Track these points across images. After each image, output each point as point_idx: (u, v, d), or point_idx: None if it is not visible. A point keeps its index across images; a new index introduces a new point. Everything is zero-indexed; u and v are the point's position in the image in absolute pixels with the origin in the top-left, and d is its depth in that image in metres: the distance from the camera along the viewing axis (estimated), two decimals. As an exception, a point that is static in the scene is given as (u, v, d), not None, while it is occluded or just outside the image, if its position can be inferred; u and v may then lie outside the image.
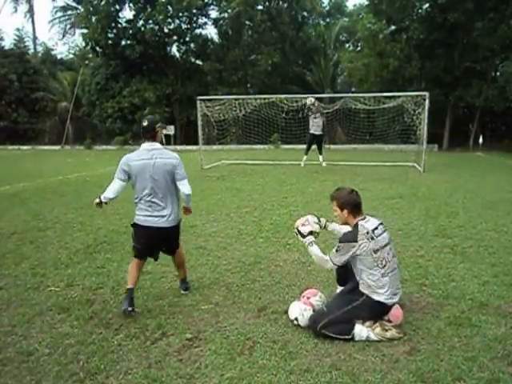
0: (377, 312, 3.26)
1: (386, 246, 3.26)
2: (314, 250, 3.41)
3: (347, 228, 3.49)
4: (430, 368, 2.78)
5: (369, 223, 3.29)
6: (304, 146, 13.76)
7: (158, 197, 3.63)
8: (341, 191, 3.42)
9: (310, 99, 13.41)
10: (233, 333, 3.29)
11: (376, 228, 3.27)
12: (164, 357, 2.98)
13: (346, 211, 3.33)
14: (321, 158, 12.69)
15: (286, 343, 3.12)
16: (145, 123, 3.65)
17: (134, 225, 3.74)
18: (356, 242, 3.20)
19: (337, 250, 3.29)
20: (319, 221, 3.66)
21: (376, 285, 3.21)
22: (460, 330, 3.27)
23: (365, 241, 3.19)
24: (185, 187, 3.77)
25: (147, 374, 2.77)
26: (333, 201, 3.42)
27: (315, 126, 12.72)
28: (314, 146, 13.49)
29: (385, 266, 3.20)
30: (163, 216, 3.66)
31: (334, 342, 3.12)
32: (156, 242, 3.81)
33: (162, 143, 3.78)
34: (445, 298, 3.87)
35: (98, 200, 3.69)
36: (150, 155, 3.62)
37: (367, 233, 3.21)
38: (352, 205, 3.31)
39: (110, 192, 3.68)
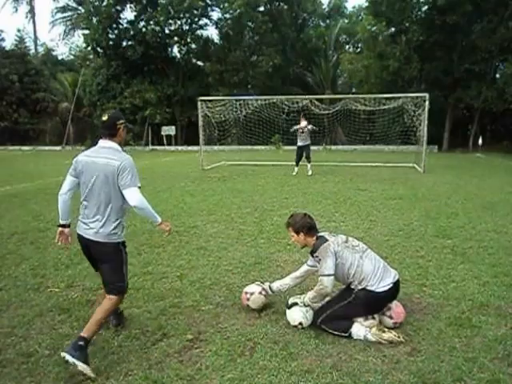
0: (371, 303, 3.26)
1: (347, 236, 3.55)
2: (310, 295, 3.39)
3: (294, 275, 3.72)
4: (430, 369, 2.78)
5: (322, 232, 3.56)
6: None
7: (92, 203, 3.00)
8: (294, 217, 3.53)
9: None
10: (233, 334, 3.29)
11: (329, 232, 3.59)
12: (164, 358, 2.98)
13: (302, 234, 3.45)
14: (309, 165, 12.96)
15: (286, 344, 3.12)
16: (104, 117, 3.06)
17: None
18: (327, 240, 3.35)
19: (318, 262, 3.33)
20: (263, 289, 3.72)
21: (360, 270, 3.26)
22: (460, 331, 3.27)
23: (332, 238, 3.41)
24: (131, 198, 2.91)
25: (147, 375, 2.77)
26: (288, 227, 3.54)
27: (302, 138, 13.05)
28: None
29: (359, 250, 3.38)
30: (91, 228, 3.00)
31: (335, 343, 3.12)
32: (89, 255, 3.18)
33: (121, 145, 3.10)
34: (445, 298, 3.87)
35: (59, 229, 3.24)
36: (97, 153, 3.01)
37: (330, 233, 3.56)
38: (307, 227, 3.45)
39: (62, 189, 3.15)
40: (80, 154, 3.07)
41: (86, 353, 2.80)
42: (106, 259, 3.02)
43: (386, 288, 3.24)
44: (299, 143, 13.12)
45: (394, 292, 3.33)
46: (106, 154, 2.95)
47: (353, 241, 3.48)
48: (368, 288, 3.23)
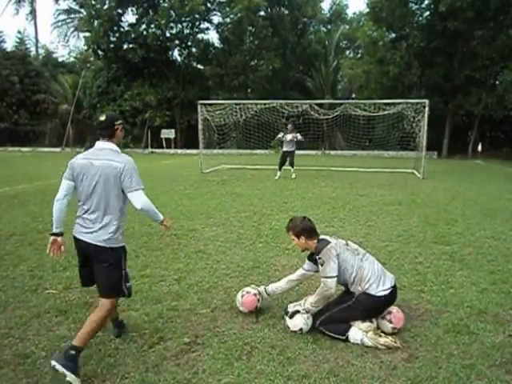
0: (370, 307, 3.27)
1: (346, 239, 3.62)
2: (313, 300, 3.39)
3: (289, 278, 3.75)
4: (428, 375, 2.78)
5: (323, 235, 3.54)
6: (303, 152, 13.87)
7: (92, 206, 2.94)
8: (294, 221, 3.53)
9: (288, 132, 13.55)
10: (231, 337, 3.28)
11: (329, 236, 3.58)
12: (161, 361, 2.97)
13: (302, 237, 3.45)
14: (292, 170, 13.30)
15: (284, 348, 3.11)
16: (102, 118, 3.03)
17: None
18: (330, 243, 3.37)
19: (322, 264, 3.32)
20: (258, 292, 3.75)
21: (360, 274, 3.30)
22: (458, 338, 3.26)
23: (334, 240, 3.44)
24: (137, 201, 2.92)
25: (144, 379, 2.76)
26: (289, 231, 3.54)
27: (288, 144, 13.21)
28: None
29: (359, 253, 3.44)
30: (91, 231, 2.93)
31: (332, 349, 3.12)
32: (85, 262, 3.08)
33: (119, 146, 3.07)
34: (443, 305, 3.87)
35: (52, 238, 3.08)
36: (95, 155, 2.95)
37: (330, 236, 3.55)
38: (307, 231, 3.45)
39: (58, 194, 3.01)
40: (76, 157, 3.00)
41: (77, 363, 2.68)
42: (104, 264, 2.92)
43: (386, 292, 3.27)
44: (284, 148, 13.29)
45: (393, 296, 3.36)
46: (106, 155, 2.91)
47: (352, 244, 3.53)
48: (368, 292, 3.26)
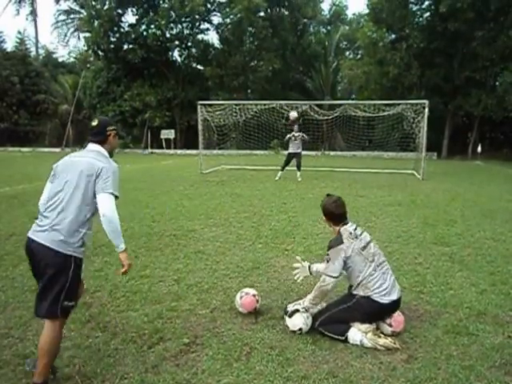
0: (371, 312, 3.27)
1: (370, 242, 3.40)
2: (310, 296, 3.41)
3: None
4: (427, 376, 2.77)
5: (349, 226, 3.42)
6: (303, 153, 13.81)
7: (57, 203, 2.60)
8: (326, 199, 3.51)
9: (293, 113, 13.39)
10: (230, 338, 3.28)
11: (355, 228, 3.42)
12: (161, 361, 2.97)
13: (325, 218, 3.47)
14: (298, 173, 13.02)
15: (283, 349, 3.11)
16: (94, 123, 2.82)
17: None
18: (343, 243, 3.28)
19: (327, 261, 3.32)
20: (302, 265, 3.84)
21: (367, 281, 3.25)
22: (457, 339, 3.26)
23: (350, 241, 3.30)
24: (103, 204, 2.58)
25: (143, 379, 2.76)
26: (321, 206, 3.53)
27: (294, 146, 13.04)
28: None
29: (373, 260, 3.31)
30: (45, 230, 2.56)
31: (332, 349, 3.12)
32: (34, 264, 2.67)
33: (111, 154, 2.86)
34: (442, 306, 3.86)
35: None
36: (80, 154, 2.81)
37: (350, 233, 3.35)
38: (330, 214, 3.43)
39: (41, 200, 2.79)
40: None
41: None
42: (50, 271, 2.52)
43: (388, 302, 3.25)
44: (290, 150, 13.08)
45: (395, 307, 3.33)
46: (91, 155, 2.72)
47: (372, 248, 3.37)
48: (372, 297, 3.23)
